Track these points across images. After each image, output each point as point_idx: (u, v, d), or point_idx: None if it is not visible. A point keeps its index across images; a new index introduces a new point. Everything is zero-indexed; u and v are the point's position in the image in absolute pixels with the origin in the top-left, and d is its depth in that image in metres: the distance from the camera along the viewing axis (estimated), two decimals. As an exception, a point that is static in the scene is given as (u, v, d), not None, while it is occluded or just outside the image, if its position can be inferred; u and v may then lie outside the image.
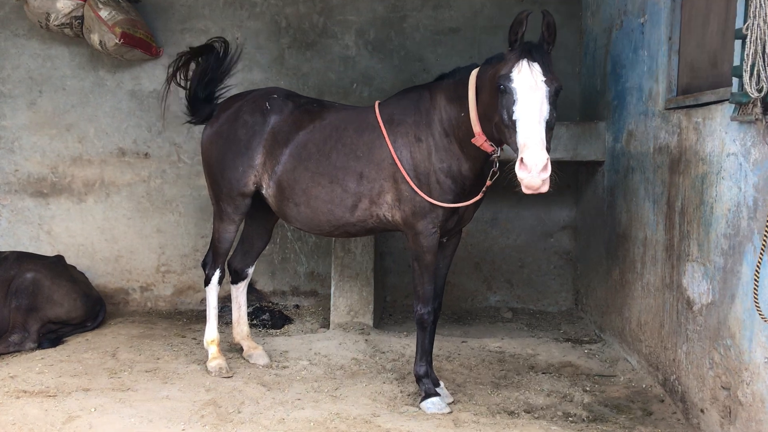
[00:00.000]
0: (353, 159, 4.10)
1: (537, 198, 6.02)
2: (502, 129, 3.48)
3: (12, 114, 6.28)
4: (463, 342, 5.28)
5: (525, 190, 3.32)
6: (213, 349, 4.56)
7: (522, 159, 3.26)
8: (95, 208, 6.34)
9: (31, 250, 6.00)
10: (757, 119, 2.84)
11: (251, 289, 6.32)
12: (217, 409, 3.94)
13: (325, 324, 5.77)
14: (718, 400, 3.35)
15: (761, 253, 2.72)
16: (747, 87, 2.83)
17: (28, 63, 6.26)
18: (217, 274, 4.60)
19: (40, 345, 5.08)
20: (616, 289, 5.00)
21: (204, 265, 4.67)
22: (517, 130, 3.34)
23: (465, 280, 6.43)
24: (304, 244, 6.42)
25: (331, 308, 5.58)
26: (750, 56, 2.82)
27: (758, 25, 2.77)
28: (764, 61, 2.76)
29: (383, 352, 5.01)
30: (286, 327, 5.79)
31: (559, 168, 5.45)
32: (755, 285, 2.74)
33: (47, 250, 6.14)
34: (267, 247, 6.04)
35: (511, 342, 5.26)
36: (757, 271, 2.74)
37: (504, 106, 3.41)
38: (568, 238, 6.36)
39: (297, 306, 6.36)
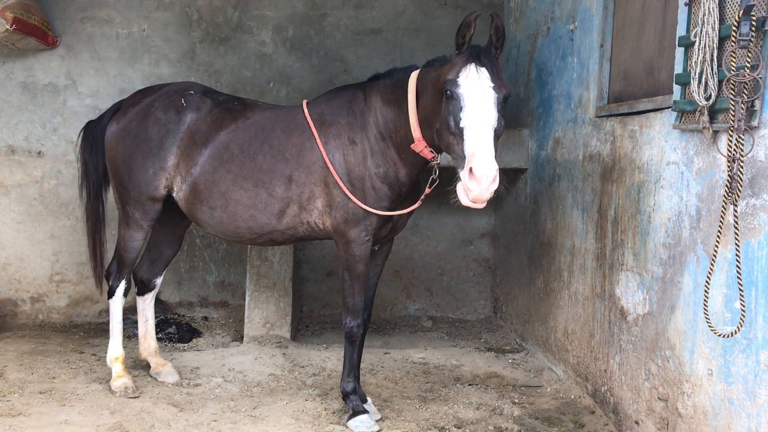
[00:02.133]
0: (281, 161, 3.81)
1: (457, 205, 5.92)
2: (446, 136, 3.29)
3: None
4: (385, 353, 5.08)
5: (470, 203, 3.14)
6: (117, 367, 4.15)
7: (471, 169, 3.07)
8: (-21, 211, 5.73)
9: None
10: (704, 128, 2.79)
11: (155, 301, 5.87)
12: (124, 435, 3.56)
13: (238, 337, 5.44)
14: (654, 411, 3.30)
15: (711, 264, 2.66)
16: (695, 95, 2.78)
17: None
18: (122, 285, 4.19)
19: None
20: (540, 298, 4.94)
21: (108, 276, 4.24)
22: (465, 138, 3.15)
23: (385, 289, 6.24)
24: (215, 251, 6.05)
25: (246, 320, 5.24)
26: (698, 63, 2.77)
27: (707, 32, 2.73)
28: (712, 70, 2.71)
29: (302, 367, 4.74)
30: (194, 341, 5.41)
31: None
32: (705, 296, 2.68)
33: None
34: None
35: (435, 352, 5.11)
36: (707, 282, 2.67)
37: (450, 113, 3.23)
38: (487, 245, 6.30)
39: (206, 318, 5.97)
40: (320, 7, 6.08)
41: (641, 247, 3.47)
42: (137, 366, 4.56)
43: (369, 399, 3.97)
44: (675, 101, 3.05)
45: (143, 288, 4.44)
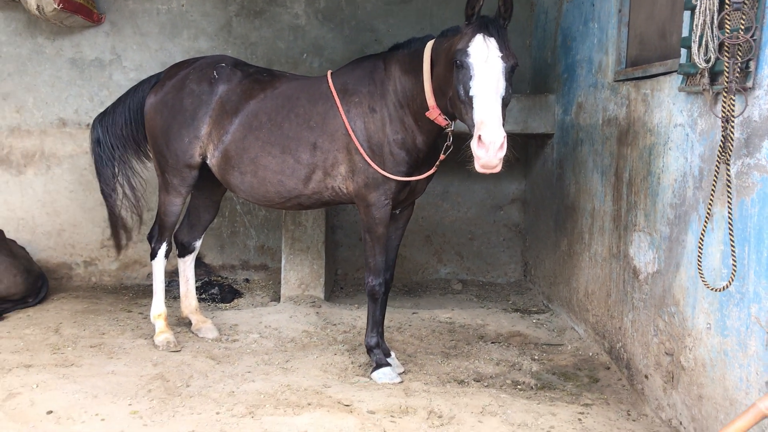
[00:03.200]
0: (306, 129, 4.02)
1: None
2: (457, 104, 3.44)
3: (-57, 82, 5.99)
4: (413, 313, 5.30)
5: (480, 169, 3.28)
6: (160, 323, 4.47)
7: (480, 137, 3.22)
8: (35, 181, 6.12)
9: (-34, 225, 5.77)
10: (704, 90, 2.87)
11: (200, 264, 6.22)
12: (165, 383, 3.87)
13: (276, 297, 5.72)
14: (661, 365, 3.43)
15: (705, 222, 2.77)
16: (695, 57, 2.86)
17: (-40, 28, 5.96)
18: (163, 247, 4.49)
19: (-21, 322, 4.91)
20: (564, 260, 5.07)
21: (150, 239, 4.55)
22: (474, 106, 3.30)
23: (416, 253, 6.44)
24: (254, 217, 6.33)
25: (282, 282, 5.52)
26: (699, 27, 2.85)
27: (712, -4, 2.80)
28: (712, 32, 2.79)
29: (334, 325, 4.99)
30: (235, 301, 5.71)
31: (509, 140, 5.50)
32: (699, 253, 2.79)
33: (-16, 225, 5.91)
34: (215, 220, 5.98)
35: (461, 313, 5.31)
36: (701, 239, 2.79)
37: (460, 82, 3.37)
38: (517, 210, 6.42)
39: (247, 280, 6.28)
40: (352, -21, 6.22)
41: (651, 208, 3.57)
42: (180, 324, 4.88)
43: (393, 354, 4.20)
44: (680, 64, 3.12)
45: (183, 250, 4.74)
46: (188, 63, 4.45)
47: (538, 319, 5.19)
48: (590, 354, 4.39)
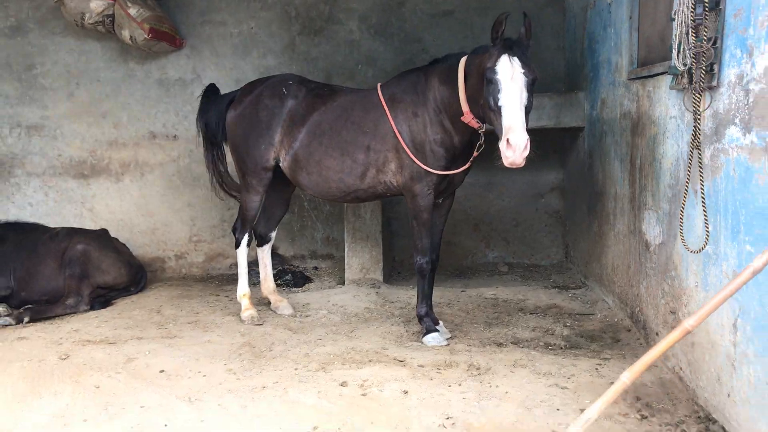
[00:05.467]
0: (361, 134, 4.78)
1: (528, 163, 6.63)
2: (487, 112, 4.13)
3: (53, 105, 7.00)
4: (462, 291, 5.99)
5: (508, 165, 3.98)
6: (245, 302, 5.30)
7: (508, 140, 3.91)
8: (131, 187, 7.08)
9: (76, 227, 6.75)
10: (684, 88, 3.47)
11: (274, 255, 7.02)
12: (252, 348, 4.68)
13: (341, 282, 6.49)
14: (667, 323, 4.03)
15: (684, 197, 3.38)
16: (676, 62, 3.47)
17: (66, 58, 6.96)
18: (245, 237, 5.32)
19: (92, 307, 5.81)
20: (596, 240, 5.67)
21: (234, 231, 5.39)
22: (503, 114, 3.98)
23: (465, 240, 7.12)
24: (320, 212, 7.12)
25: (346, 267, 6.30)
26: (677, 36, 3.45)
27: (683, 10, 3.40)
28: (688, 41, 3.39)
29: (392, 302, 5.72)
30: (306, 285, 6.51)
31: (544, 134, 6.15)
32: (680, 221, 3.40)
33: (90, 226, 6.88)
34: (286, 216, 6.79)
35: (505, 290, 5.97)
36: (681, 210, 3.40)
37: (490, 94, 4.06)
38: (557, 198, 7.02)
39: (315, 268, 7.08)
40: (399, -5, 6.95)
41: (656, 189, 4.16)
42: (260, 303, 5.70)
43: (441, 323, 4.90)
44: (670, 66, 3.72)
45: (261, 240, 5.57)
46: (261, 81, 5.27)
47: (574, 294, 5.80)
48: (615, 320, 4.99)
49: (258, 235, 5.56)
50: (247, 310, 5.26)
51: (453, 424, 3.46)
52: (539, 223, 7.08)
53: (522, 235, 7.10)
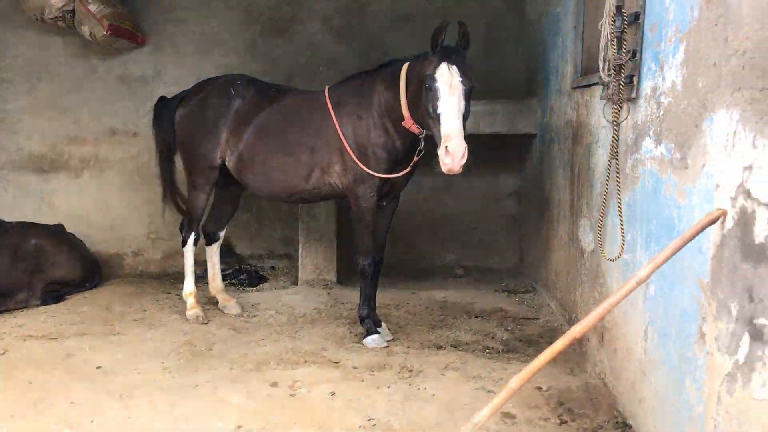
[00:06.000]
0: (306, 136, 4.81)
1: (487, 167, 6.76)
2: (426, 119, 4.18)
3: (14, 98, 6.98)
4: (413, 294, 6.03)
5: (446, 172, 4.02)
6: (191, 301, 5.32)
7: (447, 148, 3.96)
8: (91, 183, 7.08)
9: (34, 221, 6.74)
10: (609, 98, 3.53)
11: (232, 254, 7.07)
12: (192, 347, 4.70)
13: (296, 282, 6.52)
14: (596, 329, 4.08)
15: (603, 204, 3.44)
16: (601, 73, 3.52)
17: (27, 52, 6.94)
18: (192, 236, 5.34)
19: (44, 302, 5.81)
20: (544, 246, 5.72)
21: (181, 229, 5.41)
22: (441, 122, 4.03)
23: (423, 243, 7.16)
24: (279, 212, 7.14)
25: (299, 267, 6.33)
26: (603, 48, 3.50)
27: (607, 22, 3.45)
28: (608, 53, 3.44)
29: (342, 303, 5.76)
30: (261, 285, 6.52)
31: (502, 140, 6.22)
32: (599, 231, 3.46)
33: (49, 221, 6.80)
34: (245, 215, 6.84)
35: (456, 293, 6.02)
36: (600, 219, 3.45)
37: (429, 101, 4.10)
38: (514, 203, 7.07)
39: (273, 267, 7.10)
40: (361, -1, 6.99)
41: (590, 197, 4.22)
42: (210, 302, 5.71)
43: (384, 324, 4.93)
44: (599, 77, 3.78)
45: (210, 239, 5.59)
46: (210, 81, 5.29)
47: (522, 298, 5.86)
48: (556, 325, 5.05)
49: (206, 234, 5.58)
50: (193, 309, 5.28)
51: (374, 425, 3.51)
52: (496, 227, 7.14)
53: (479, 239, 7.15)
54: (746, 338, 2.17)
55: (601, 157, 3.97)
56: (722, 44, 2.34)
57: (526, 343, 4.77)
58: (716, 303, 2.39)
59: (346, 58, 7.00)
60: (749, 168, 2.14)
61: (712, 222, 2.33)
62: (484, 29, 6.82)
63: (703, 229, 2.34)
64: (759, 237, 2.08)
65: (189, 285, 5.36)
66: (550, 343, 4.66)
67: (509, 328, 5.10)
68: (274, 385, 4.01)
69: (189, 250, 5.37)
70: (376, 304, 4.99)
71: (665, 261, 2.40)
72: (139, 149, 7.03)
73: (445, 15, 6.78)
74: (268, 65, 6.97)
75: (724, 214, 2.30)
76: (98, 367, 4.33)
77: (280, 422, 3.56)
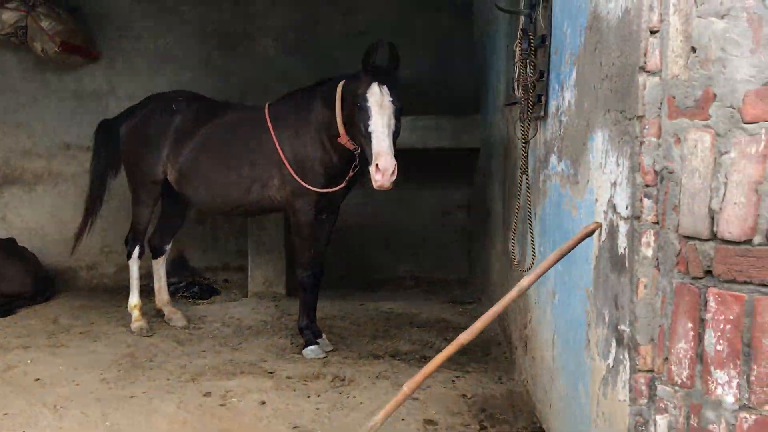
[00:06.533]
0: (247, 150, 4.93)
1: (437, 181, 6.93)
2: (358, 137, 4.33)
3: (-33, 113, 7.04)
4: (361, 305, 6.15)
5: (377, 188, 4.18)
6: (135, 313, 5.39)
7: (377, 165, 4.11)
8: (45, 197, 7.13)
9: (-13, 235, 6.78)
10: (519, 116, 3.68)
11: (185, 266, 7.15)
12: (133, 359, 4.77)
13: (247, 294, 6.60)
14: (521, 337, 4.22)
15: (515, 221, 3.58)
16: (516, 92, 3.67)
17: (-20, 67, 7.00)
18: (137, 249, 5.43)
19: (-7, 315, 5.86)
20: (486, 257, 5.87)
21: (126, 242, 5.49)
22: (372, 140, 4.19)
23: (376, 254, 7.28)
24: (233, 224, 7.23)
25: (249, 279, 6.43)
26: (516, 68, 3.65)
27: (517, 44, 3.61)
28: (518, 74, 3.59)
29: (289, 315, 5.85)
30: (212, 298, 6.60)
31: (451, 154, 6.38)
32: (511, 245, 3.60)
33: (2, 235, 6.90)
34: (199, 227, 6.93)
35: (402, 304, 6.14)
36: (513, 231, 3.60)
37: (361, 120, 4.25)
38: (464, 215, 7.23)
39: (226, 280, 7.18)
40: (314, 15, 7.12)
41: (514, 210, 4.36)
42: (157, 315, 5.78)
43: (324, 335, 5.04)
44: (518, 95, 3.93)
45: (156, 253, 5.67)
46: (155, 97, 5.40)
47: (466, 309, 6.00)
48: (492, 335, 5.19)
49: (152, 247, 5.66)
50: (137, 322, 5.35)
51: (298, 433, 3.61)
52: (447, 239, 7.28)
53: (431, 251, 7.29)
54: (614, 343, 2.31)
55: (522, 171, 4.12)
56: (598, 69, 2.50)
57: (460, 353, 4.84)
58: (596, 311, 2.53)
59: (299, 72, 7.09)
60: (614, 184, 2.29)
61: (589, 234, 2.48)
62: (434, 46, 7.00)
63: (580, 241, 2.49)
64: (620, 248, 2.23)
65: (134, 298, 5.44)
66: (483, 351, 4.89)
67: (448, 337, 5.22)
68: (207, 395, 4.09)
69: (134, 263, 5.45)
70: (323, 315, 5.11)
71: (545, 271, 2.55)
72: (93, 163, 7.08)
73: (397, 31, 7.03)
74: (222, 80, 7.08)
75: (599, 227, 2.45)
76: (37, 379, 4.40)
77: (209, 431, 3.65)
